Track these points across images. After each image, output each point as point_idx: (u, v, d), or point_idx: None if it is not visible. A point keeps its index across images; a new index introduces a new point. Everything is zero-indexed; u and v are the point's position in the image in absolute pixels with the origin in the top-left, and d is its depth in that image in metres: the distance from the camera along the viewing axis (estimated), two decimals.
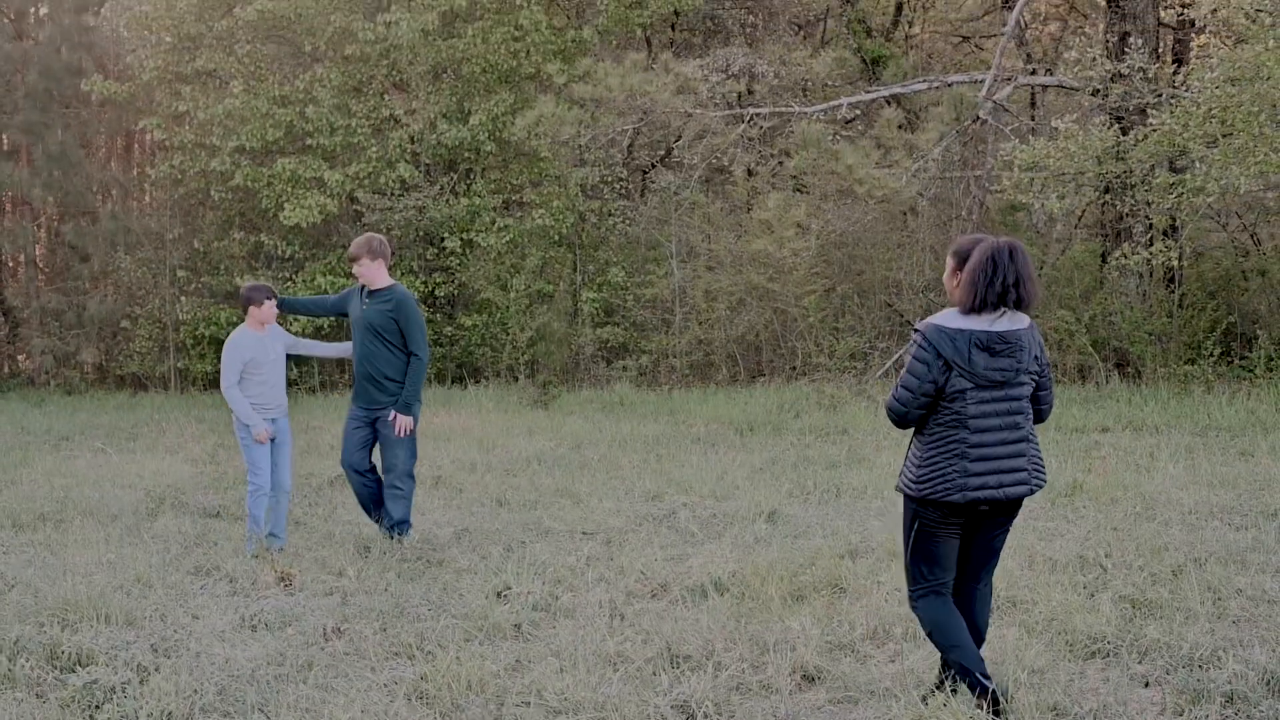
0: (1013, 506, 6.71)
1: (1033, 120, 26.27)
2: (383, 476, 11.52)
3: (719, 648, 7.72)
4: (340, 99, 28.46)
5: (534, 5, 28.38)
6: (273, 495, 11.41)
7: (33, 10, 33.77)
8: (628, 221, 29.02)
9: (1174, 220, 21.94)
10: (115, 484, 15.13)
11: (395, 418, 11.31)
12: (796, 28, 33.62)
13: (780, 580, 9.27)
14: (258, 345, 11.23)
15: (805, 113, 23.74)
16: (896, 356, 22.69)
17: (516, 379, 26.96)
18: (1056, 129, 20.17)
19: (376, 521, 11.54)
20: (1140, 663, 7.34)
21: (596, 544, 11.12)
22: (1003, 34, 23.65)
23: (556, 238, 28.42)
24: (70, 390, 30.45)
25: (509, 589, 9.36)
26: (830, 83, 28.00)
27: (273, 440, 11.33)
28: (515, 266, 28.12)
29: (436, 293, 28.70)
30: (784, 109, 24.24)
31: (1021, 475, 6.58)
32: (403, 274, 27.99)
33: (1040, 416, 6.87)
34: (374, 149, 28.21)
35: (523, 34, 28.26)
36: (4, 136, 33.49)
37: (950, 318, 6.52)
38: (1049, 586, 8.77)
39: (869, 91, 24.64)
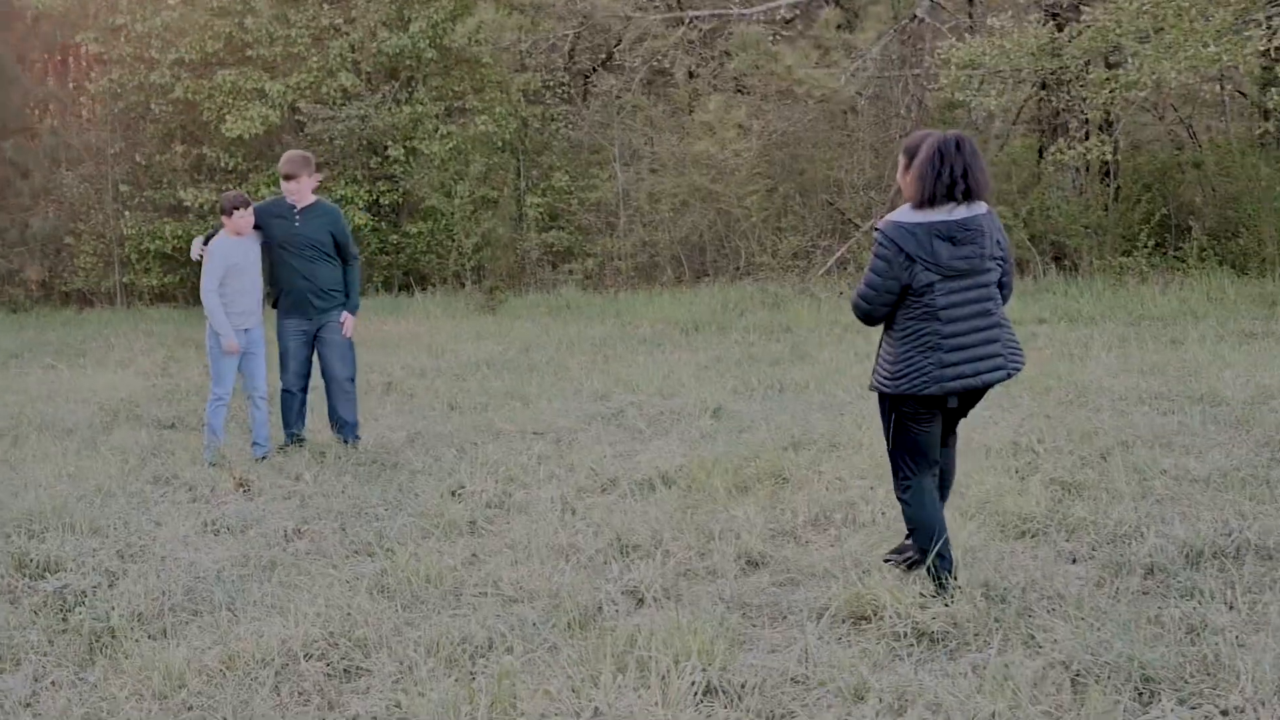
0: (980, 394, 6.87)
1: (970, 18, 26.42)
2: (328, 384, 11.76)
3: (667, 537, 8.02)
4: (279, 8, 28.38)
5: None
6: (250, 404, 11.62)
7: None
8: (570, 126, 29.13)
9: (1109, 115, 22.20)
10: (68, 399, 15.30)
11: (346, 320, 11.60)
12: None
13: (725, 473, 9.58)
14: (237, 249, 11.37)
15: (744, 14, 23.87)
16: (838, 254, 22.99)
17: (464, 285, 27.16)
18: (992, 26, 20.40)
19: (295, 435, 11.77)
20: (1068, 540, 7.66)
21: (546, 443, 11.39)
22: None
23: (500, 144, 28.52)
24: (15, 308, 30.45)
25: (463, 488, 9.65)
26: None
27: (245, 352, 11.53)
28: (459, 173, 28.22)
29: (381, 201, 28.79)
30: (723, 10, 24.34)
31: (997, 360, 6.67)
32: (346, 183, 28.10)
33: (1003, 300, 6.86)
34: (315, 59, 28.19)
35: None
36: None
37: (907, 213, 6.60)
38: (982, 471, 9.08)
39: None
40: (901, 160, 6.82)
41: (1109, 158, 21.49)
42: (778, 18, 24.34)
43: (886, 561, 7.11)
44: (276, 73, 28.40)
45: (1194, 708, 5.17)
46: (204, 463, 11.29)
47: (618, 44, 27.74)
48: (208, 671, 6.04)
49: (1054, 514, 8.09)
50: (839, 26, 24.98)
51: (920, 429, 6.80)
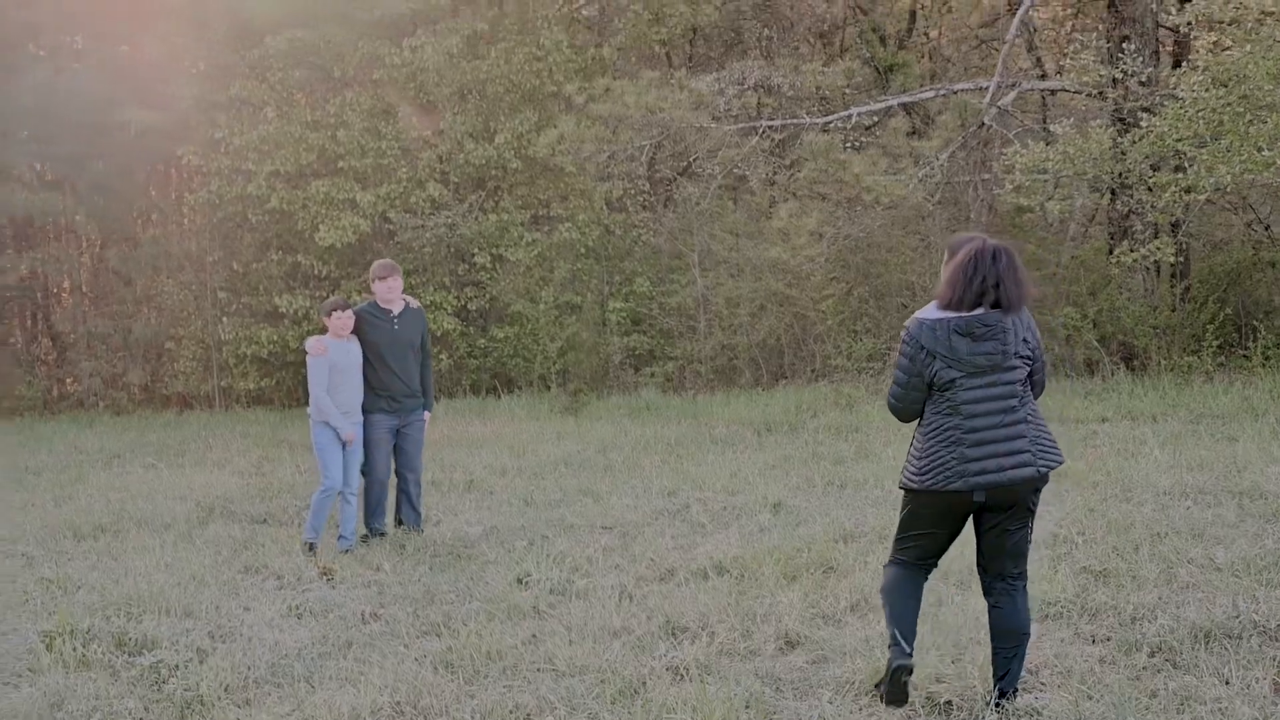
0: (1014, 494, 6.72)
1: (1045, 123, 26.94)
2: (405, 477, 12.59)
3: (713, 620, 8.64)
4: (370, 122, 29.37)
5: (554, 26, 29.37)
6: (341, 499, 12.30)
7: (69, 42, 34.82)
8: (652, 232, 29.81)
9: (1176, 217, 22.61)
10: (167, 496, 16.06)
11: (427, 418, 12.54)
12: (815, 38, 34.39)
13: (776, 562, 10.19)
14: (340, 351, 12.18)
15: (816, 123, 24.57)
16: None
17: (548, 388, 27.82)
18: (1055, 133, 21.01)
19: (377, 528, 12.54)
20: (1090, 623, 8.19)
21: (613, 536, 12.03)
22: (1006, 41, 24.38)
23: (583, 250, 29.20)
24: (119, 410, 31.45)
25: (529, 576, 10.30)
26: (848, 91, 28.82)
27: (343, 447, 12.26)
28: (544, 279, 28.95)
29: (469, 306, 29.53)
30: (795, 120, 25.06)
31: (1024, 458, 6.65)
32: (435, 289, 28.86)
33: (1034, 397, 6.93)
34: (404, 169, 29.10)
35: (544, 54, 29.10)
36: (47, 167, 34.55)
37: (932, 310, 6.77)
38: None
39: (878, 101, 25.45)
40: (945, 256, 7.05)
41: (1172, 259, 21.92)
42: (849, 126, 24.98)
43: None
44: (367, 183, 29.30)
45: None
46: (302, 543, 12.02)
47: (694, 158, 28.40)
48: None
49: (1079, 599, 8.61)
50: (910, 133, 25.67)
51: (934, 530, 6.91)
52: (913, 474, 6.83)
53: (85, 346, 33.03)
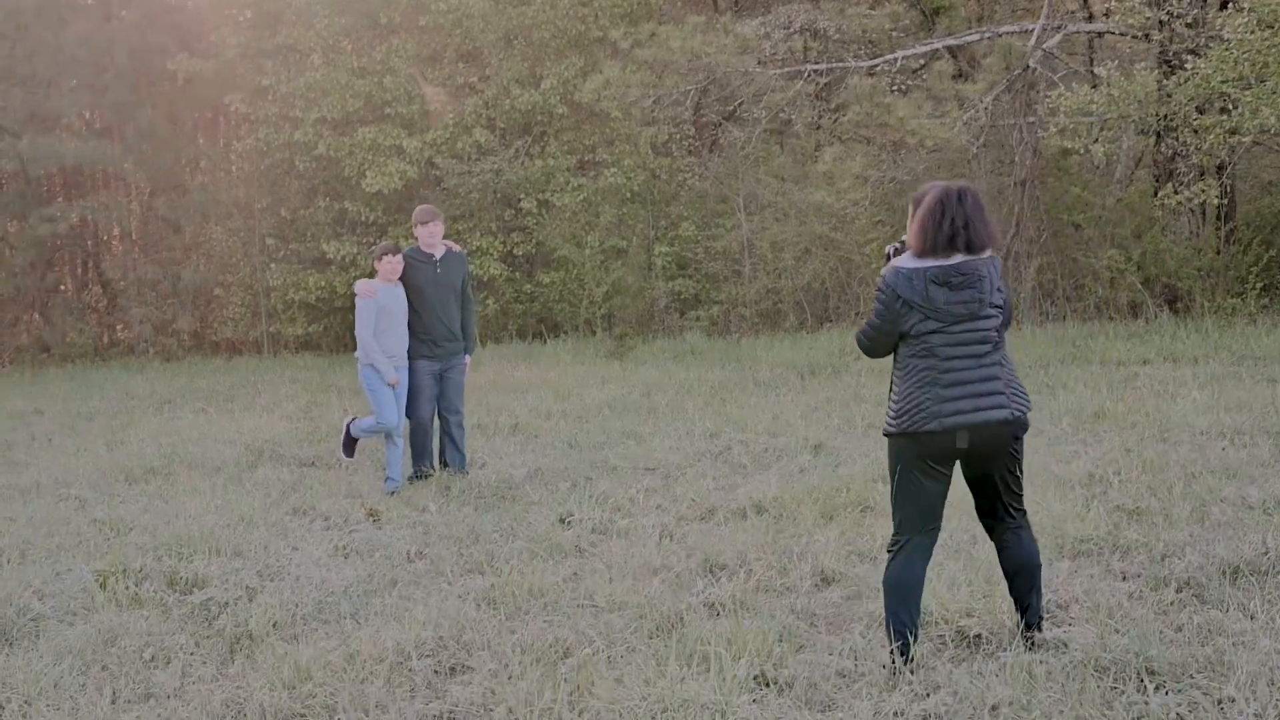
0: (995, 442, 6.71)
1: (1092, 65, 26.82)
2: (447, 419, 12.81)
3: (751, 558, 8.79)
4: (416, 68, 29.51)
5: None
6: (388, 441, 12.61)
7: None
8: (697, 177, 29.88)
9: (1221, 159, 22.53)
10: (216, 440, 16.31)
11: (468, 362, 12.81)
12: None
13: (815, 502, 10.34)
14: (388, 295, 12.46)
15: (860, 67, 24.56)
16: None
17: (594, 332, 28.00)
18: (1099, 75, 20.99)
19: (423, 470, 12.76)
20: (1121, 560, 8.30)
21: (655, 478, 12.18)
22: None
23: (629, 195, 29.28)
24: (169, 357, 31.84)
25: (572, 516, 10.49)
26: (895, 34, 28.76)
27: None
28: (590, 224, 29.09)
29: (515, 252, 29.69)
30: (840, 64, 25.04)
31: (999, 399, 6.64)
32: (481, 235, 29.03)
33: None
34: (450, 115, 29.24)
35: None
36: (96, 115, 34.84)
37: (908, 260, 6.71)
38: (1052, 500, 9.74)
39: (922, 44, 25.41)
40: (910, 209, 6.90)
41: (1217, 202, 21.90)
42: (894, 69, 24.94)
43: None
44: (414, 129, 29.47)
45: (1186, 695, 5.83)
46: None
47: (739, 102, 28.39)
48: (331, 667, 6.90)
49: (1111, 537, 8.73)
50: (955, 76, 25.61)
51: (923, 481, 6.75)
52: (892, 418, 6.79)
53: (135, 293, 33.40)
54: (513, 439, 15.26)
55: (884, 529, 9.30)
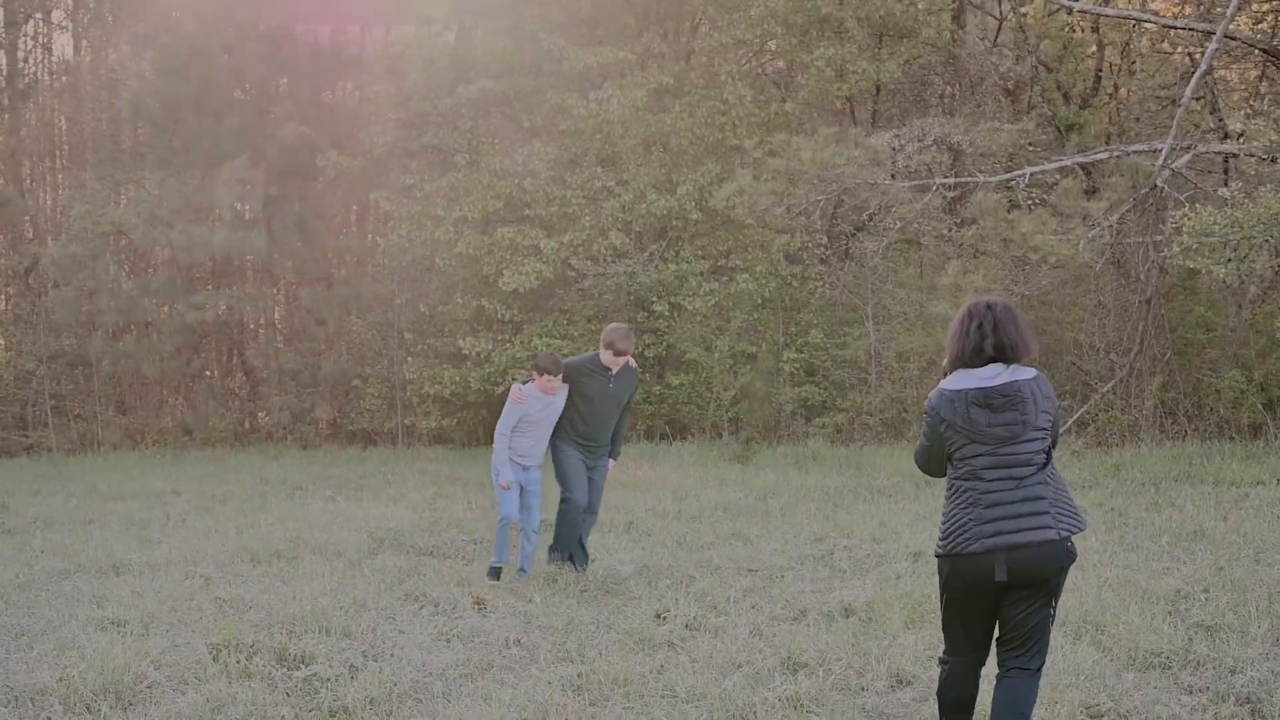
0: (1039, 572, 6.74)
1: (1227, 184, 26.81)
2: (588, 518, 13.26)
3: (831, 658, 9.12)
4: (556, 171, 30.20)
5: (739, 81, 29.98)
6: (523, 536, 13.04)
7: (272, 85, 36.21)
8: (828, 285, 30.20)
9: None
10: (342, 527, 16.86)
11: (612, 465, 13.39)
12: (1002, 94, 34.44)
13: (904, 607, 10.63)
14: (538, 405, 12.82)
15: (990, 181, 24.83)
16: (1078, 414, 23.71)
17: (720, 435, 28.33)
18: (1223, 196, 21.16)
19: (566, 558, 13.12)
20: (1191, 675, 8.53)
21: (756, 579, 12.53)
22: (1181, 103, 24.48)
23: (760, 301, 29.66)
24: (305, 445, 32.58)
25: (668, 611, 10.86)
26: (1031, 148, 29.01)
27: (524, 488, 12.97)
28: (720, 328, 29.47)
29: (646, 353, 30.07)
30: (969, 178, 25.33)
31: (1042, 519, 6.69)
32: None
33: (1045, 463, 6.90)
34: (588, 218, 29.86)
35: (727, 108, 29.79)
36: (246, 207, 35.91)
37: (953, 380, 6.93)
38: (1134, 613, 9.97)
39: (1051, 161, 25.63)
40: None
41: None
42: (1023, 185, 25.18)
43: None
44: (552, 230, 30.12)
45: None
46: (489, 568, 12.93)
47: (870, 213, 28.65)
48: None
49: (1184, 651, 8.95)
50: (1087, 192, 25.78)
51: (963, 604, 6.94)
52: (940, 540, 6.97)
53: (276, 382, 34.25)
54: (625, 536, 15.64)
55: None
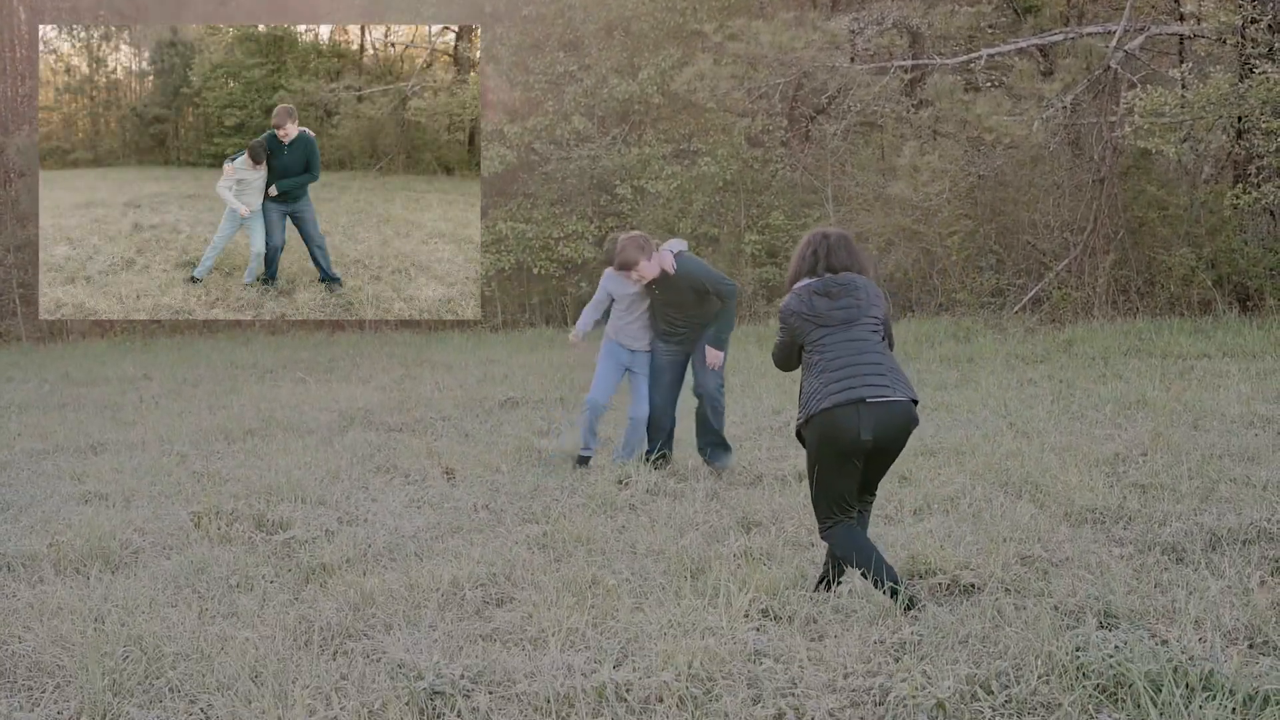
0: (895, 435, 7.52)
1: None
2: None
3: (784, 517, 9.65)
4: (518, 57, 30.42)
5: None
6: (630, 421, 12.62)
7: None
8: (788, 167, 30.55)
9: None
10: (313, 407, 17.31)
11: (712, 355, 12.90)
12: None
13: None
14: (615, 283, 12.37)
15: (947, 64, 25.17)
16: (1033, 292, 24.23)
17: None
18: (1172, 77, 21.57)
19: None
20: (1123, 529, 9.05)
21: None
22: None
23: (721, 183, 30.01)
24: (274, 330, 32.93)
25: (630, 478, 11.36)
26: (991, 29, 29.25)
27: (630, 370, 12.60)
28: (683, 211, 29.82)
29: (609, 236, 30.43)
30: (927, 61, 25.66)
31: (883, 380, 7.47)
32: (578, 219, 29.93)
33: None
34: (550, 103, 30.15)
35: None
36: None
37: (797, 286, 7.93)
38: (1073, 474, 10.49)
39: (1007, 44, 25.95)
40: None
41: None
42: (979, 67, 25.53)
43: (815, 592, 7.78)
44: (515, 116, 30.42)
45: (1132, 633, 6.57)
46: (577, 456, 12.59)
47: (830, 96, 28.90)
48: (392, 594, 7.83)
49: (1117, 508, 9.48)
50: (1042, 73, 26.14)
51: (836, 474, 7.53)
52: (799, 413, 7.71)
53: None
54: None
55: (913, 497, 10.12)
